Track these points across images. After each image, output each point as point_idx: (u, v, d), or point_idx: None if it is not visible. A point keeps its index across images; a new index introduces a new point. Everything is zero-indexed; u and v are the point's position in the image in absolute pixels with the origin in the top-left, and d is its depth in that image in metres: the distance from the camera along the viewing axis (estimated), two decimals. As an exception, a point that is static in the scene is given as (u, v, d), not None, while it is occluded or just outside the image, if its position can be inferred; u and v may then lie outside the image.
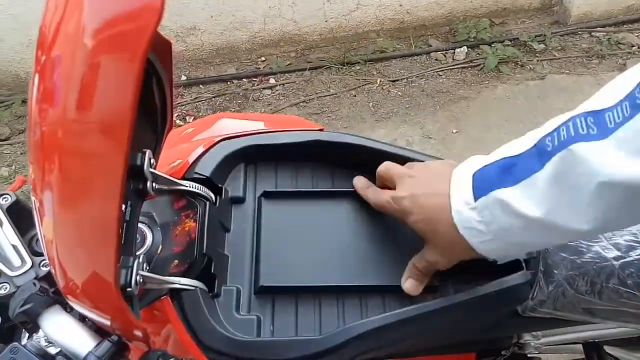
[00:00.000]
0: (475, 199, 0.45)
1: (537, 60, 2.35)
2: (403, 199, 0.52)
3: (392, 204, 0.53)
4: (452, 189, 0.48)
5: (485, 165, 0.46)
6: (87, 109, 0.34)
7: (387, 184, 0.58)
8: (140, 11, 0.31)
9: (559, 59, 2.36)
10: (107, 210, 0.37)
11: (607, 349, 0.82)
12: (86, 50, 0.32)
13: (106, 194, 0.37)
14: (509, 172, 0.43)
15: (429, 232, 0.50)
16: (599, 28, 2.48)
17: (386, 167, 0.57)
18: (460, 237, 0.47)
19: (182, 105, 2.24)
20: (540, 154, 0.41)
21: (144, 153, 0.48)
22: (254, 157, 0.65)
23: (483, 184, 0.45)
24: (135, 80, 0.32)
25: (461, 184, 0.47)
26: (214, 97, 2.27)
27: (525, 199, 0.42)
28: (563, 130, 0.39)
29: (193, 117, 2.19)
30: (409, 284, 0.54)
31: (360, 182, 0.61)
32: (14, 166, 2.05)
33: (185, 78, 2.32)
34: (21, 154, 2.09)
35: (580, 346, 0.82)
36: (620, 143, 0.35)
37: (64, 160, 0.36)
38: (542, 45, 2.40)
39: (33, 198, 0.43)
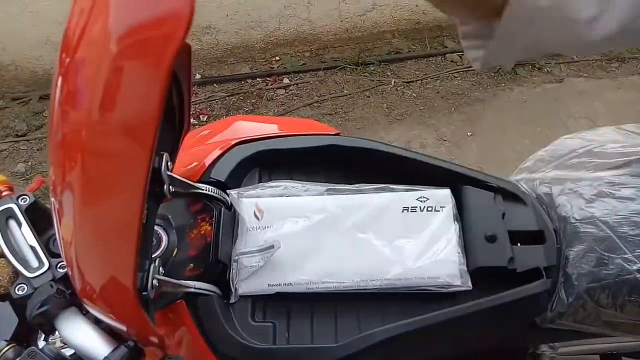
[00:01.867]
0: None
1: (555, 63, 2.31)
2: None
3: None
4: None
5: None
6: (111, 111, 0.34)
7: None
8: (167, 19, 0.30)
9: (577, 61, 2.32)
10: (128, 212, 0.37)
11: (626, 360, 0.80)
12: (112, 55, 0.32)
13: (129, 196, 0.37)
14: None
15: None
16: (619, 31, 2.43)
17: None
18: None
19: (196, 104, 2.24)
20: None
21: (162, 156, 0.47)
22: (269, 161, 0.65)
23: None
24: (161, 87, 0.32)
25: None
26: (227, 96, 2.27)
27: None
28: None
29: (207, 116, 2.19)
30: None
31: None
32: (30, 162, 2.07)
33: (199, 76, 2.33)
34: (37, 150, 2.11)
35: (597, 357, 0.81)
36: None
37: (86, 160, 0.36)
38: (560, 48, 2.36)
39: (52, 199, 0.42)
